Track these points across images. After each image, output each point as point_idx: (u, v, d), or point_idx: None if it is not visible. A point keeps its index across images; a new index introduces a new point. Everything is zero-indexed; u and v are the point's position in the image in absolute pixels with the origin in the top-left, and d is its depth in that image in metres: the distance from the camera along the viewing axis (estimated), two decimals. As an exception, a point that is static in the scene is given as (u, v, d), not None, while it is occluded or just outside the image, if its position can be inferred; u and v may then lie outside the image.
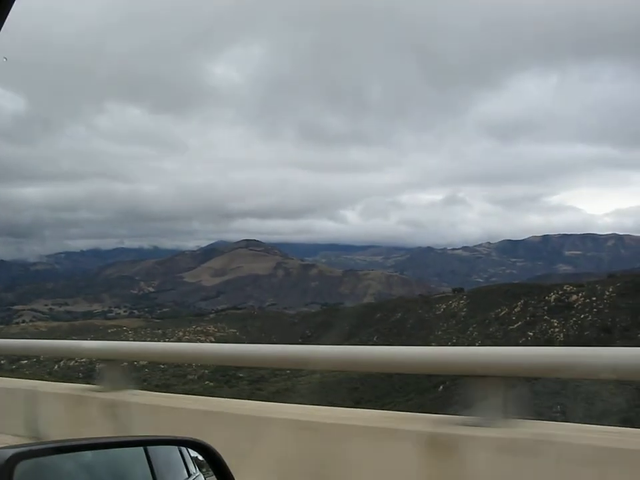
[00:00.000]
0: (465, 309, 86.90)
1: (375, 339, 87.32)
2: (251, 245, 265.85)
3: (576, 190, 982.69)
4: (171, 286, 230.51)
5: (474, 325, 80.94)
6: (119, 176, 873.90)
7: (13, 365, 74.04)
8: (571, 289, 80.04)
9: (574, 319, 73.95)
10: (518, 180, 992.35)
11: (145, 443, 2.06)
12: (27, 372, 68.83)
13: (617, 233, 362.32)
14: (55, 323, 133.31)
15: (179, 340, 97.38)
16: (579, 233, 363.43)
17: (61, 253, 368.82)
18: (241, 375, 78.84)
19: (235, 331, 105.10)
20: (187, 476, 2.15)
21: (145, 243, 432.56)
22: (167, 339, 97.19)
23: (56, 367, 75.54)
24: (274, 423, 4.40)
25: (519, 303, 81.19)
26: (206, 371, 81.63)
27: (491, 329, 78.85)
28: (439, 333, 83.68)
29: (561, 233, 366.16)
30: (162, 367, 75.28)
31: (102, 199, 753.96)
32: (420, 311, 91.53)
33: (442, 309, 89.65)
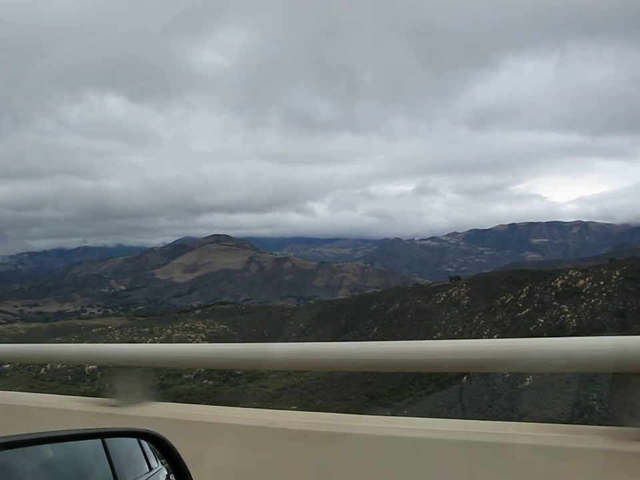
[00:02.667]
0: (467, 297, 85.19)
1: (375, 331, 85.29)
2: (221, 240, 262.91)
3: (541, 178, 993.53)
4: (143, 283, 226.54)
5: (479, 314, 79.18)
6: (85, 172, 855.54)
7: None
8: (576, 274, 78.77)
9: (584, 304, 72.63)
10: (485, 169, 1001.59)
11: (100, 435, 2.04)
12: (14, 377, 65.96)
13: (581, 220, 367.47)
14: (34, 325, 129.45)
15: (169, 338, 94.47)
16: (544, 221, 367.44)
17: (24, 253, 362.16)
18: (238, 372, 75.69)
19: (225, 326, 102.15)
20: (147, 470, 2.16)
21: (109, 241, 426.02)
22: (155, 337, 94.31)
23: (42, 370, 72.45)
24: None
25: (524, 289, 79.77)
26: (202, 369, 78.43)
27: (497, 317, 77.14)
28: (443, 322, 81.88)
29: (527, 221, 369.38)
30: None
31: (67, 196, 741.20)
32: (419, 301, 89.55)
33: (442, 298, 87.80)
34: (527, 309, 76.09)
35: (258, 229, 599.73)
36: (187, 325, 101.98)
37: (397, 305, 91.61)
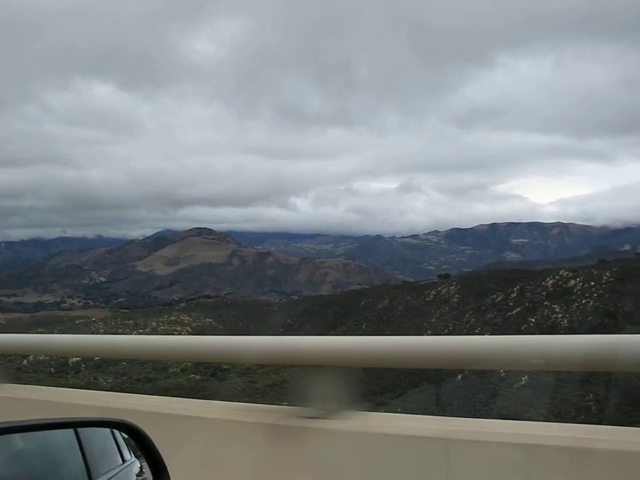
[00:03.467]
0: (457, 295, 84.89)
1: (364, 327, 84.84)
2: (203, 233, 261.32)
3: (522, 179, 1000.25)
4: (123, 275, 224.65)
5: (470, 312, 78.88)
6: (68, 161, 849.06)
7: None
8: (567, 274, 78.74)
9: (575, 304, 72.57)
10: (468, 169, 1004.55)
11: (72, 424, 2.02)
12: None
13: (561, 221, 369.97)
14: (15, 315, 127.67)
15: (154, 331, 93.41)
16: (525, 222, 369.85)
17: (1, 242, 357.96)
18: (226, 366, 74.90)
19: (210, 320, 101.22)
20: (120, 462, 2.16)
21: (89, 232, 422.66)
22: (140, 330, 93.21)
23: (25, 362, 71.13)
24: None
25: (515, 288, 79.57)
26: (189, 363, 77.45)
27: (488, 316, 76.91)
28: (433, 320, 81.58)
29: (508, 221, 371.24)
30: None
31: (48, 185, 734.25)
32: (409, 298, 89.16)
33: (432, 296, 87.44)
34: (518, 308, 75.96)
35: (240, 222, 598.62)
36: (171, 318, 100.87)
37: (386, 301, 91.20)
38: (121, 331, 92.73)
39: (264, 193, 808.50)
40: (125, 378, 75.78)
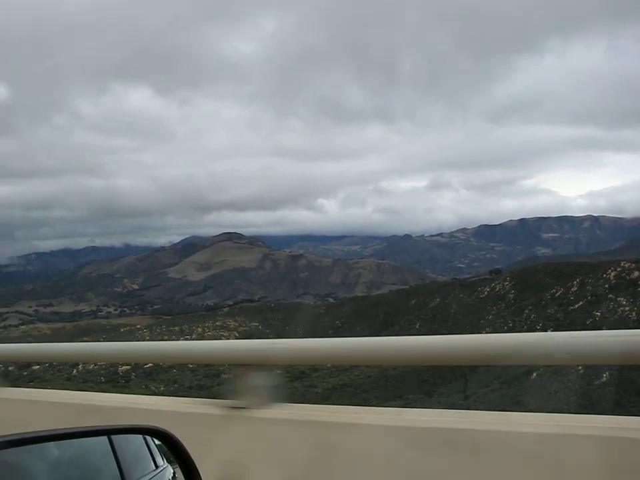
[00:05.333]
0: (512, 291, 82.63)
1: (417, 327, 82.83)
2: (233, 238, 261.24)
3: (551, 172, 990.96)
4: (156, 282, 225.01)
5: (529, 308, 76.58)
6: (96, 170, 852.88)
7: (24, 372, 68.50)
8: (629, 266, 76.23)
9: (643, 296, 70.16)
10: (495, 164, 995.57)
11: (106, 432, 2.06)
12: (44, 379, 63.69)
13: (591, 214, 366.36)
14: (59, 325, 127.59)
15: (201, 336, 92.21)
16: (554, 216, 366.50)
17: (32, 253, 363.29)
18: (277, 370, 72.96)
19: (257, 324, 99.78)
20: (154, 467, 2.20)
21: (116, 241, 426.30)
22: (187, 336, 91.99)
23: (74, 371, 70.19)
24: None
25: (575, 282, 77.12)
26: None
27: (549, 311, 74.53)
28: (490, 317, 79.33)
29: (537, 216, 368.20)
30: (190, 366, 70.61)
31: (76, 195, 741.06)
32: (461, 295, 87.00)
33: (486, 292, 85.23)
34: (580, 302, 73.50)
35: (266, 226, 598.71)
36: (217, 323, 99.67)
37: (438, 299, 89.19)
38: (167, 337, 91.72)
39: (292, 196, 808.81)
40: (176, 385, 74.66)
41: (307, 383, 70.70)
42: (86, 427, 1.99)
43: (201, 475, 2.14)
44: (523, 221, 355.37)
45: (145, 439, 2.19)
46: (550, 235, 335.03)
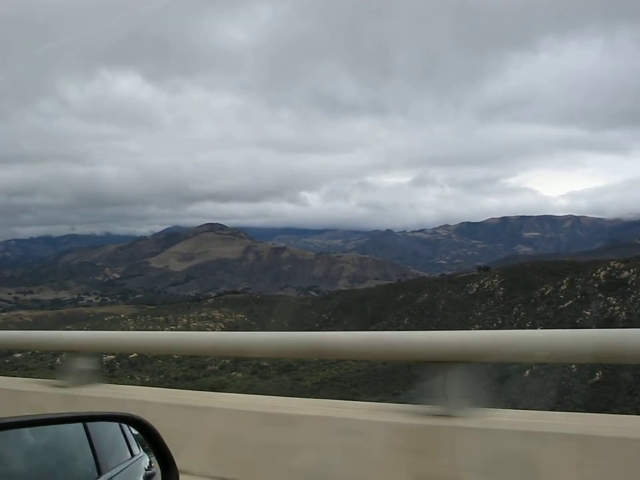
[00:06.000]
0: (501, 288, 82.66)
1: (405, 322, 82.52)
2: (215, 229, 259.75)
3: (533, 172, 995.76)
4: (138, 271, 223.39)
5: (518, 305, 76.44)
6: (81, 157, 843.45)
7: (6, 359, 67.45)
8: (618, 265, 76.38)
9: (632, 296, 70.21)
10: (478, 162, 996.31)
11: (81, 419, 2.07)
12: (27, 366, 62.67)
13: (573, 214, 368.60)
14: (40, 312, 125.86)
15: (187, 327, 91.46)
16: (536, 215, 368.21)
17: (11, 240, 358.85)
18: (265, 363, 73.06)
19: (242, 316, 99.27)
20: (130, 456, 2.20)
21: (97, 229, 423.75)
22: (172, 327, 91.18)
23: (58, 360, 68.91)
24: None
25: (564, 280, 77.10)
26: (227, 361, 75.77)
27: (539, 309, 74.43)
28: (479, 314, 79.19)
29: (519, 215, 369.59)
30: (176, 357, 70.20)
31: (59, 183, 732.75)
32: (449, 291, 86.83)
33: (474, 289, 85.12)
34: (570, 301, 73.46)
35: (248, 218, 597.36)
36: (202, 314, 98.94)
37: (426, 295, 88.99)
38: (151, 327, 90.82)
39: (276, 188, 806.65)
40: (162, 376, 73.91)
41: (294, 376, 70.36)
42: (62, 413, 2.00)
43: (176, 464, 2.14)
44: (504, 219, 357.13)
45: (121, 426, 2.18)
46: (531, 233, 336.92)
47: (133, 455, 2.18)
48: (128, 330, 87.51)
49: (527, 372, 48.65)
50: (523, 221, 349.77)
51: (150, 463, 2.21)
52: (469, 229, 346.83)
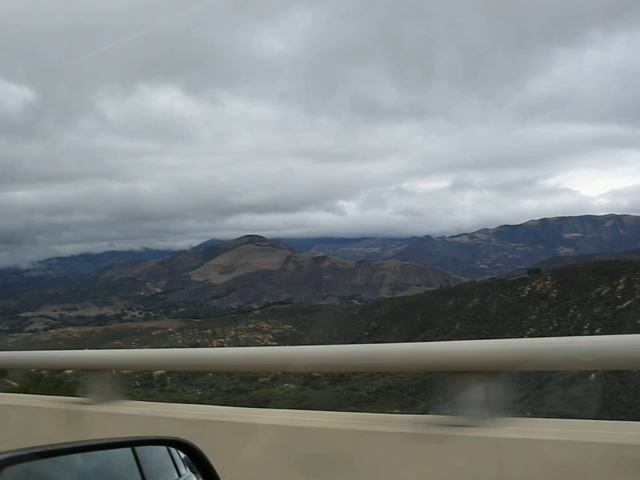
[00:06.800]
0: (555, 290, 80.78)
1: (457, 327, 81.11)
2: (254, 241, 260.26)
3: (572, 172, 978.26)
4: (179, 285, 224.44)
5: (574, 307, 74.62)
6: (118, 174, 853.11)
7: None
8: (676, 264, 74.39)
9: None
10: (516, 163, 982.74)
11: (130, 444, 2.13)
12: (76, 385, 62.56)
13: (614, 213, 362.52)
14: (88, 328, 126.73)
15: (235, 339, 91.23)
16: (576, 215, 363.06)
17: (53, 258, 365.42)
18: (316, 374, 71.93)
19: (290, 326, 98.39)
20: (177, 477, 2.24)
21: (136, 245, 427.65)
22: (220, 340, 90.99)
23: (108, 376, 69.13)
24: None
25: (621, 280, 75.13)
26: (279, 372, 74.82)
27: (596, 310, 72.57)
28: (533, 317, 77.48)
29: (558, 215, 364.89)
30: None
31: (97, 200, 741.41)
32: (501, 295, 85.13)
33: (526, 292, 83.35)
34: (629, 301, 71.53)
35: (285, 229, 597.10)
36: (250, 326, 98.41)
37: (477, 300, 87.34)
38: (199, 340, 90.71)
39: (312, 198, 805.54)
40: (213, 390, 73.60)
41: (348, 386, 69.40)
42: (110, 438, 2.06)
43: None
44: (544, 221, 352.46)
45: (168, 449, 2.22)
46: (572, 234, 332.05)
47: (180, 476, 2.19)
48: (176, 343, 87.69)
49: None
50: (563, 222, 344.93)
51: None
52: (508, 232, 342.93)
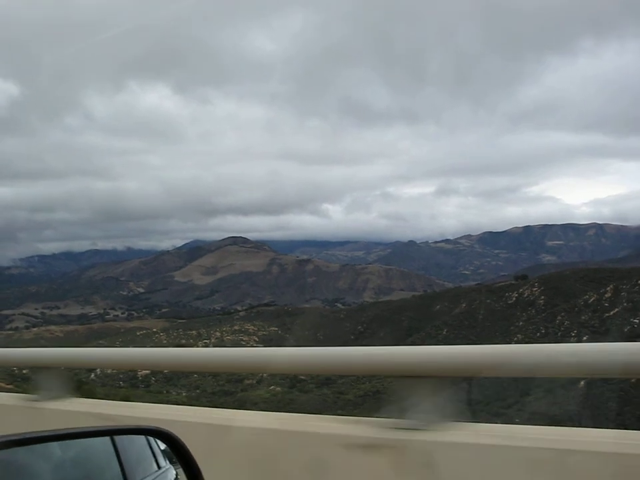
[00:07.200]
0: (542, 297, 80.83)
1: (444, 332, 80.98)
2: (238, 242, 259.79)
3: (555, 180, 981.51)
4: (162, 285, 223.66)
5: (562, 314, 74.70)
6: (103, 172, 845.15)
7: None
8: (664, 272, 74.73)
9: (678, 303, 68.55)
10: (500, 171, 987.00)
11: (109, 432, 2.12)
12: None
13: (596, 222, 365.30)
14: (71, 327, 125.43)
15: (221, 341, 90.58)
16: (559, 223, 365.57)
17: (34, 256, 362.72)
18: (302, 377, 71.55)
19: (276, 329, 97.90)
20: (156, 468, 2.23)
21: (119, 244, 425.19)
22: (205, 340, 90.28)
23: (92, 375, 68.49)
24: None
25: (608, 288, 75.30)
26: (264, 375, 74.30)
27: (583, 317, 72.67)
28: (520, 324, 77.47)
29: (542, 223, 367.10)
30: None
31: (80, 198, 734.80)
32: (488, 301, 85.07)
33: (513, 298, 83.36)
34: (616, 309, 71.65)
35: (269, 231, 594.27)
36: (235, 328, 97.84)
37: (464, 305, 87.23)
38: (184, 341, 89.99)
39: (297, 200, 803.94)
40: (198, 391, 72.92)
41: (335, 389, 68.96)
42: (89, 427, 2.04)
43: (204, 478, 2.16)
44: (527, 228, 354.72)
45: (147, 440, 2.21)
46: (555, 242, 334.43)
47: (159, 468, 2.19)
48: (161, 344, 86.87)
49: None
50: (546, 230, 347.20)
51: (176, 475, 2.21)
52: (491, 239, 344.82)
